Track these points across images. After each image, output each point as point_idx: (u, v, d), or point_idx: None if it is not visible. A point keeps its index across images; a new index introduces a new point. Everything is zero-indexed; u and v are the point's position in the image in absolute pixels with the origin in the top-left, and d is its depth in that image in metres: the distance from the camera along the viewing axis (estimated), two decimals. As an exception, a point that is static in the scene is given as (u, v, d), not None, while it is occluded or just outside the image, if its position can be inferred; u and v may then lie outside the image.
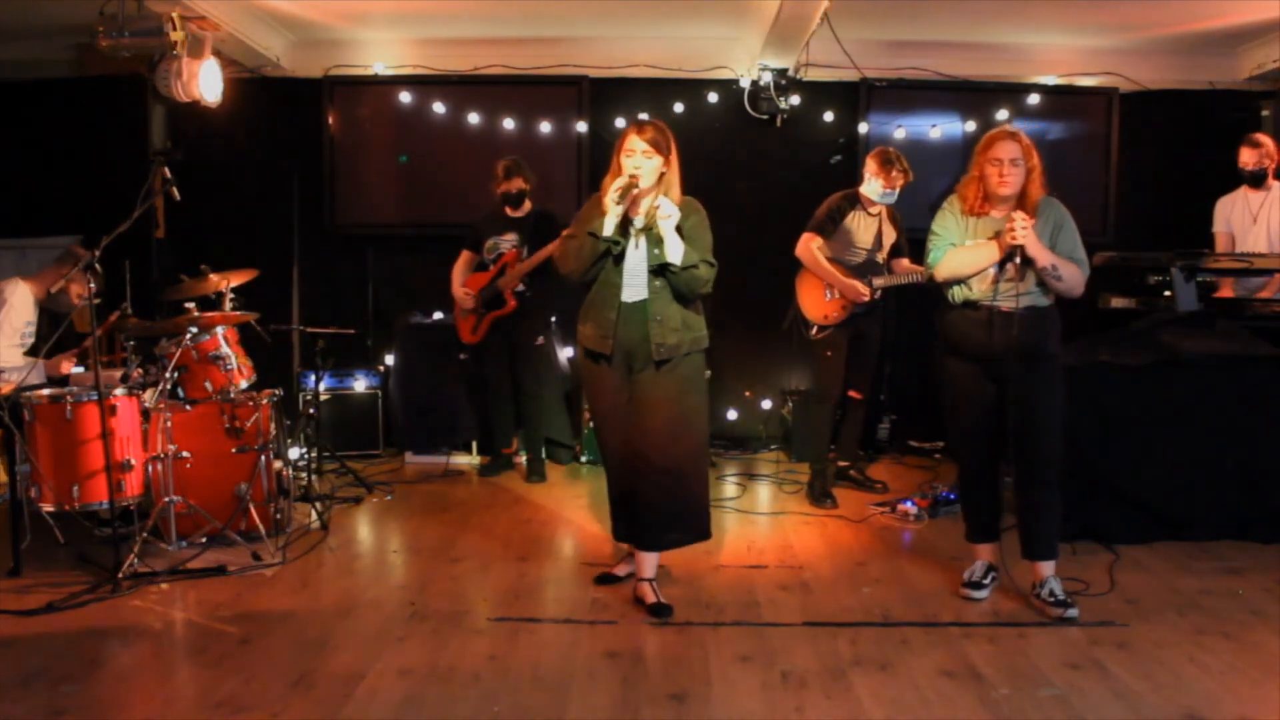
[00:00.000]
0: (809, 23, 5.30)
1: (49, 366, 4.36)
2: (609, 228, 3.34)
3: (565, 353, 5.96)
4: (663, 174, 3.38)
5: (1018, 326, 3.35)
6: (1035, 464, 3.43)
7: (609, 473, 3.63)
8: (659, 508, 3.45)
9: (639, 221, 3.39)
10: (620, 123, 6.05)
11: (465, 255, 5.50)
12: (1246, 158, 5.00)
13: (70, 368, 4.40)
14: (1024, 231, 3.23)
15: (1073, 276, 3.35)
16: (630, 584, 3.62)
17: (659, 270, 3.38)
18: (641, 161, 3.33)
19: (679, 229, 3.36)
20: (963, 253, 3.42)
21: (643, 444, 3.43)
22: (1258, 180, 5.01)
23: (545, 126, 6.26)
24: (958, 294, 3.48)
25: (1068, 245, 3.37)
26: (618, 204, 3.30)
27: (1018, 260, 3.28)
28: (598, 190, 3.44)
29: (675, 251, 3.33)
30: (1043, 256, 3.29)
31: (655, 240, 3.37)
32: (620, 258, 3.41)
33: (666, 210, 3.31)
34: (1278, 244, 4.94)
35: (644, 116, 3.45)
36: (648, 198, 3.39)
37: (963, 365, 3.50)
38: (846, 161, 6.24)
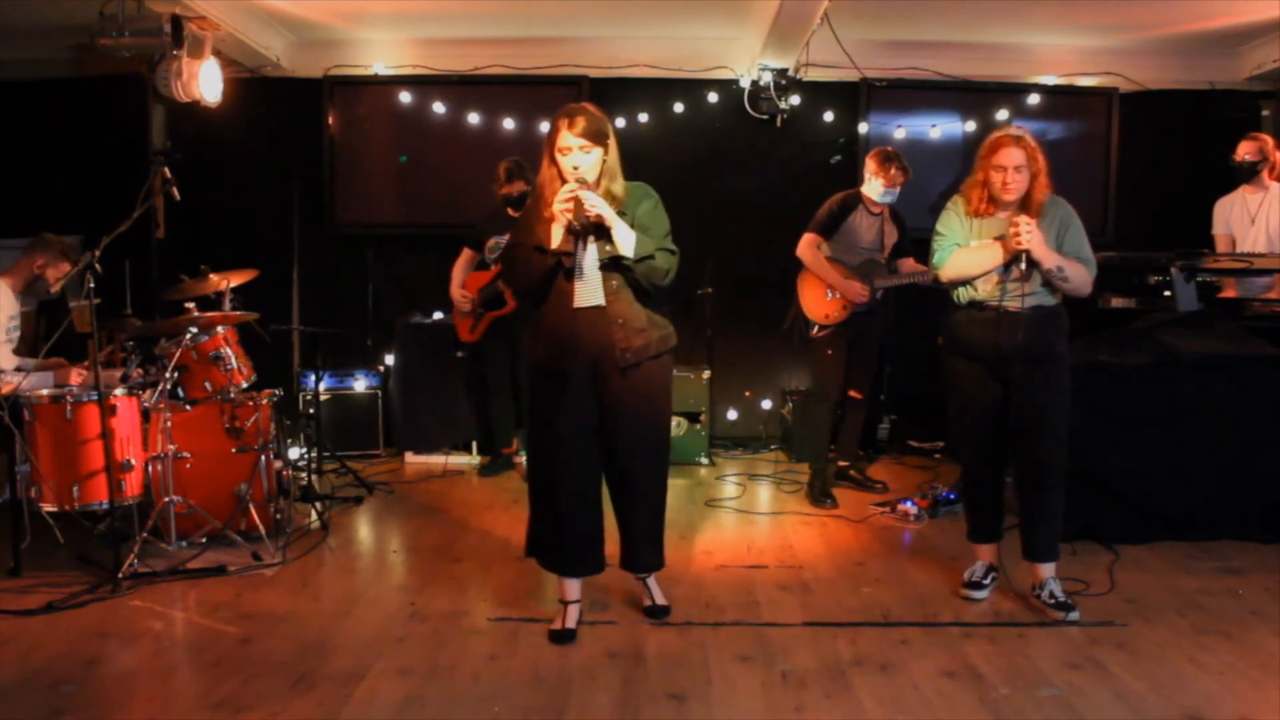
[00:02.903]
0: (809, 23, 5.30)
1: (59, 377, 4.32)
2: (556, 238, 2.99)
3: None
4: (604, 162, 3.03)
5: (1024, 327, 3.32)
6: (1039, 466, 3.41)
7: (545, 496, 3.21)
8: (651, 527, 3.33)
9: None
10: (620, 123, 6.05)
11: (466, 254, 5.50)
12: (1244, 149, 4.98)
13: (80, 380, 4.32)
14: (1029, 236, 3.19)
15: (1079, 276, 3.32)
16: (631, 584, 3.62)
17: (614, 266, 3.04)
18: (580, 159, 2.97)
19: (631, 219, 3.05)
20: (968, 254, 3.39)
21: (625, 459, 3.20)
22: (1250, 173, 4.99)
23: (545, 127, 6.22)
24: (963, 294, 3.46)
25: (1074, 245, 3.34)
26: (572, 217, 2.92)
27: (1023, 264, 3.25)
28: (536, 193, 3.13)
29: (626, 243, 2.97)
30: (1048, 259, 3.26)
31: (603, 235, 3.01)
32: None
33: (590, 201, 2.92)
34: (1277, 244, 4.94)
35: (572, 105, 3.06)
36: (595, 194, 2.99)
37: (968, 365, 3.48)
38: (846, 161, 6.25)
